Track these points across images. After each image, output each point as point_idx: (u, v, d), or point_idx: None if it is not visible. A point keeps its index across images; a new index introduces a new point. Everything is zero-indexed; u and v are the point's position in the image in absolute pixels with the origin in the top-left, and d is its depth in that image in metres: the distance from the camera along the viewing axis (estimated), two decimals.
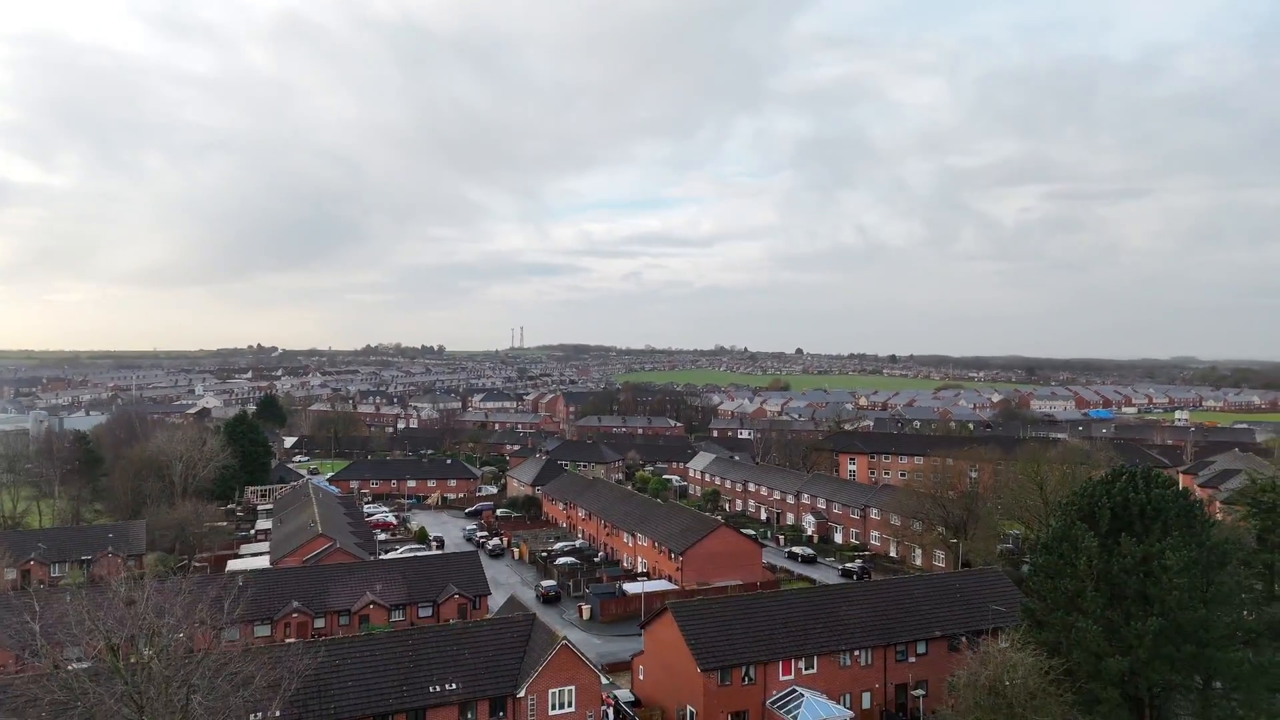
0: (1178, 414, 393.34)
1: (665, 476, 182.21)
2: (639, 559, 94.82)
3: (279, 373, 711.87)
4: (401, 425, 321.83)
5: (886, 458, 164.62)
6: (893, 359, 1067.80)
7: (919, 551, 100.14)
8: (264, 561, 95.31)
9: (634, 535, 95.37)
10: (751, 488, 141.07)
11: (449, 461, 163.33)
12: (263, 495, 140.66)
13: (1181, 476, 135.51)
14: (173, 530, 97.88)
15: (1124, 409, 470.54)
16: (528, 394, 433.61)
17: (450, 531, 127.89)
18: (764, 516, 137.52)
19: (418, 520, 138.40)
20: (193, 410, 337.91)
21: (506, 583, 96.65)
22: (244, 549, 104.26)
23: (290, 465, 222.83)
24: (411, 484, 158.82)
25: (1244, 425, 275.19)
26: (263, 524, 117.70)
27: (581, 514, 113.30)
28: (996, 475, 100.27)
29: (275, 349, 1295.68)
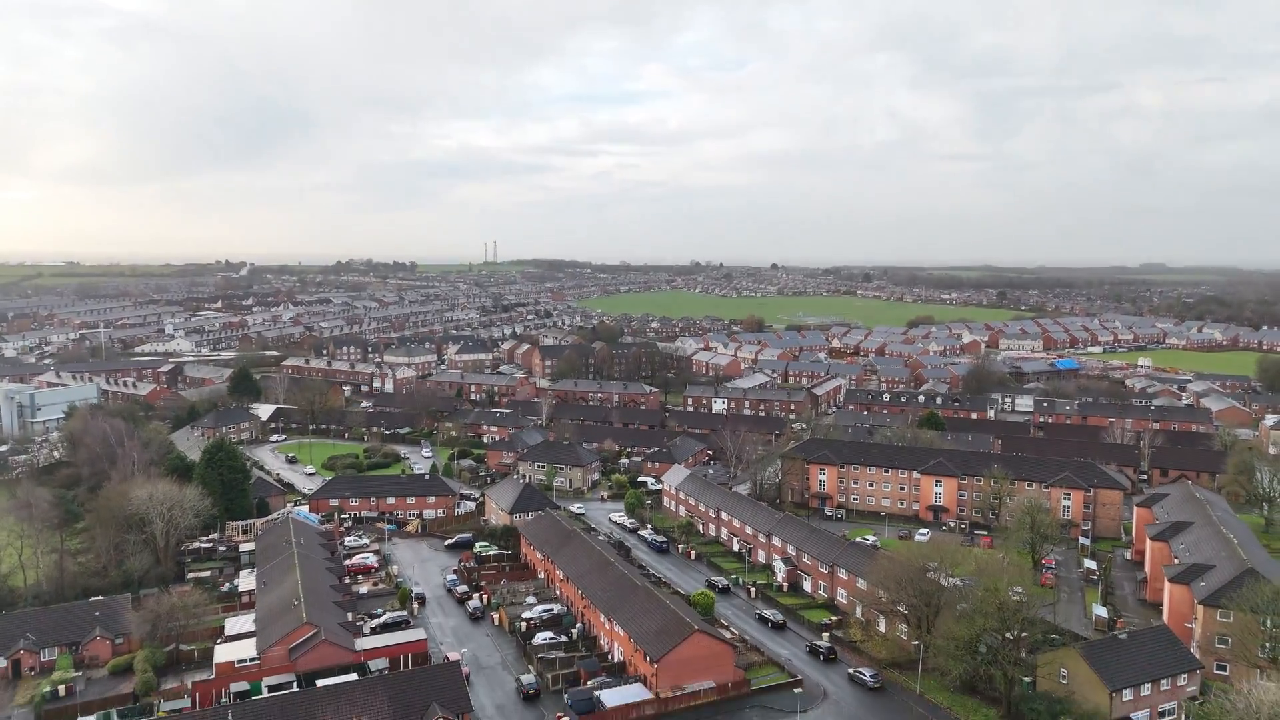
0: (1141, 362, 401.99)
1: (641, 479, 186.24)
2: (615, 646, 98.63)
3: (249, 301, 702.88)
4: (376, 384, 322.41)
5: (856, 468, 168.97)
6: (866, 278, 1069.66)
7: (884, 621, 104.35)
8: (250, 648, 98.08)
9: (611, 621, 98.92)
10: (725, 517, 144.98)
11: (427, 478, 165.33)
12: (244, 532, 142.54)
13: (1136, 510, 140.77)
14: (161, 620, 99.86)
15: (1090, 348, 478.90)
16: (503, 339, 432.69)
17: (430, 573, 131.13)
18: (736, 548, 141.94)
19: (398, 553, 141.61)
20: (165, 369, 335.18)
21: (488, 665, 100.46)
22: (229, 623, 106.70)
23: (270, 449, 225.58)
24: (390, 501, 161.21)
25: (1199, 388, 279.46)
26: (246, 581, 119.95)
27: (559, 574, 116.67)
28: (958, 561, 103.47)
29: (243, 265, 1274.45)
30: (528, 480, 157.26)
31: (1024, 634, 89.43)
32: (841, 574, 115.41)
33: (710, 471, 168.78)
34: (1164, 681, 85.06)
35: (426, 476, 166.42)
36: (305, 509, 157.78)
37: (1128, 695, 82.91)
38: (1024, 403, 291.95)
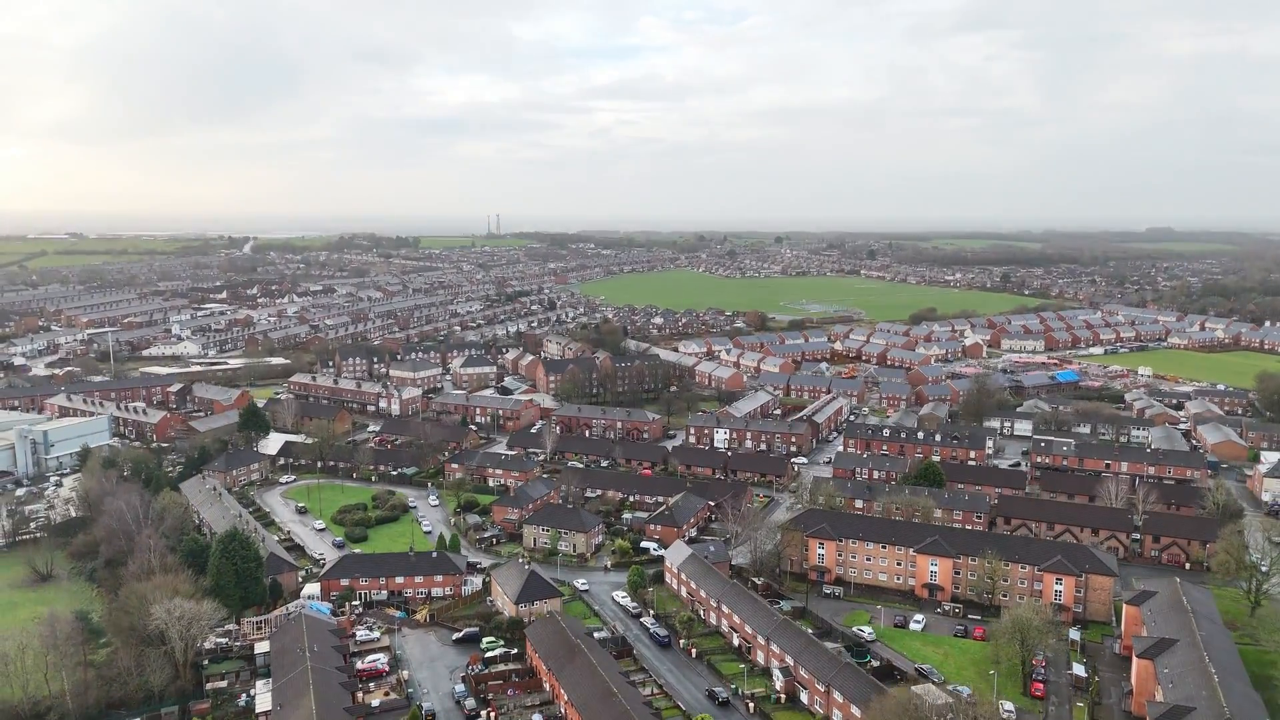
0: (1141, 371, 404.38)
1: (643, 544, 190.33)
2: None
3: (253, 290, 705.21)
4: (383, 405, 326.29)
5: (854, 542, 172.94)
6: (870, 255, 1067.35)
7: None
8: None
9: None
10: (725, 609, 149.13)
11: (434, 556, 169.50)
12: (258, 627, 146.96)
13: (1126, 608, 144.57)
14: None
15: (1091, 349, 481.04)
16: (507, 347, 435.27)
17: (439, 677, 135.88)
18: (736, 642, 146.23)
19: (408, 647, 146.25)
20: (174, 388, 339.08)
21: None
22: None
23: (280, 494, 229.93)
24: (399, 580, 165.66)
25: (1197, 407, 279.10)
26: (262, 698, 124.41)
27: (564, 696, 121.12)
28: None
29: (246, 240, 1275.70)
30: (532, 567, 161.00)
31: None
32: (837, 697, 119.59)
33: (711, 550, 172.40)
34: None
35: (434, 554, 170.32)
36: (317, 591, 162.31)
37: None
38: (1022, 427, 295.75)
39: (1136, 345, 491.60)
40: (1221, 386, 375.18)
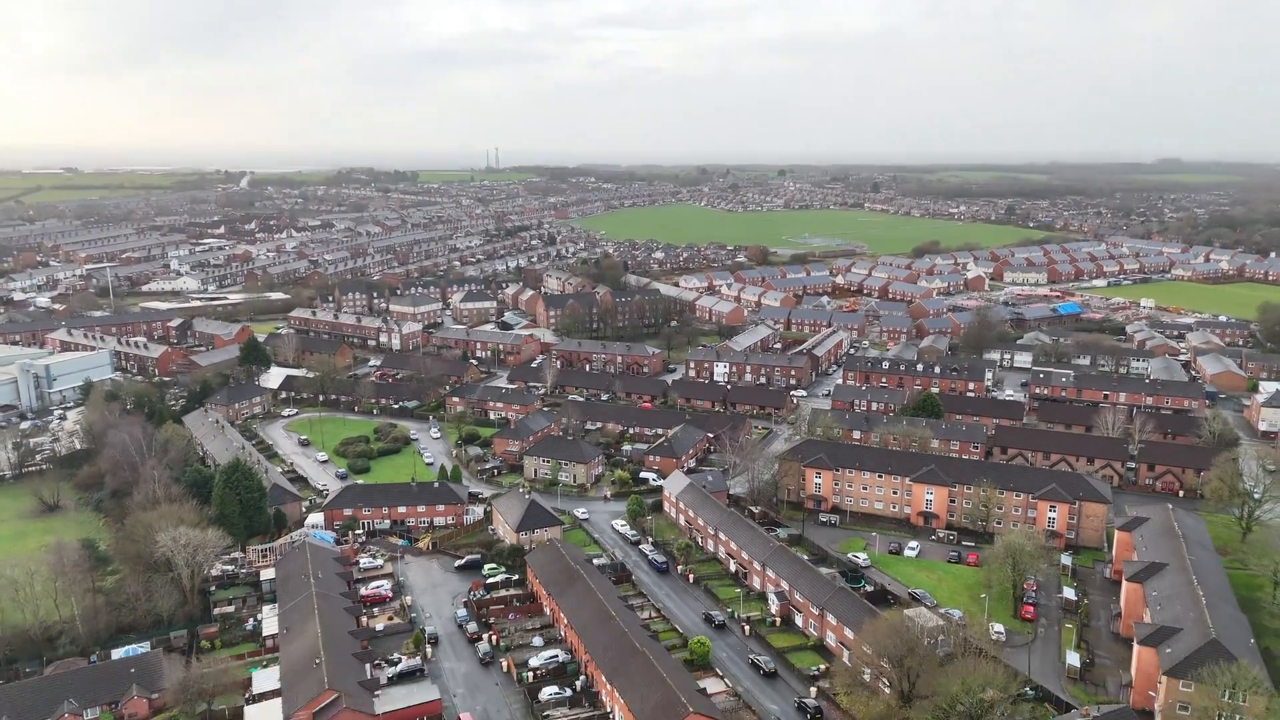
0: (1143, 303, 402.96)
1: (642, 474, 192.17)
2: (616, 709, 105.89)
3: (251, 225, 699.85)
4: (384, 339, 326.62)
5: (850, 472, 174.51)
6: (874, 188, 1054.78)
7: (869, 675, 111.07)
8: (277, 711, 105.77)
9: (612, 686, 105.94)
10: (723, 537, 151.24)
11: (436, 486, 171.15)
12: (263, 555, 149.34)
13: (1118, 534, 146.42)
14: (192, 682, 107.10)
15: (1095, 281, 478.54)
16: (507, 282, 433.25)
17: (442, 602, 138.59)
18: (733, 568, 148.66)
19: (410, 574, 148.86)
20: (175, 323, 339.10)
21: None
22: (256, 678, 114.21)
23: (282, 427, 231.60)
24: (402, 510, 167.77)
25: (1198, 338, 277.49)
26: (269, 622, 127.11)
27: (564, 619, 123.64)
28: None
29: (243, 175, 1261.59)
30: (531, 496, 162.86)
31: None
32: (831, 619, 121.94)
33: (709, 480, 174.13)
34: None
35: (436, 484, 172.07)
36: (320, 520, 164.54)
37: None
38: (1022, 359, 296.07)
39: (1140, 277, 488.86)
40: (1224, 318, 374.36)
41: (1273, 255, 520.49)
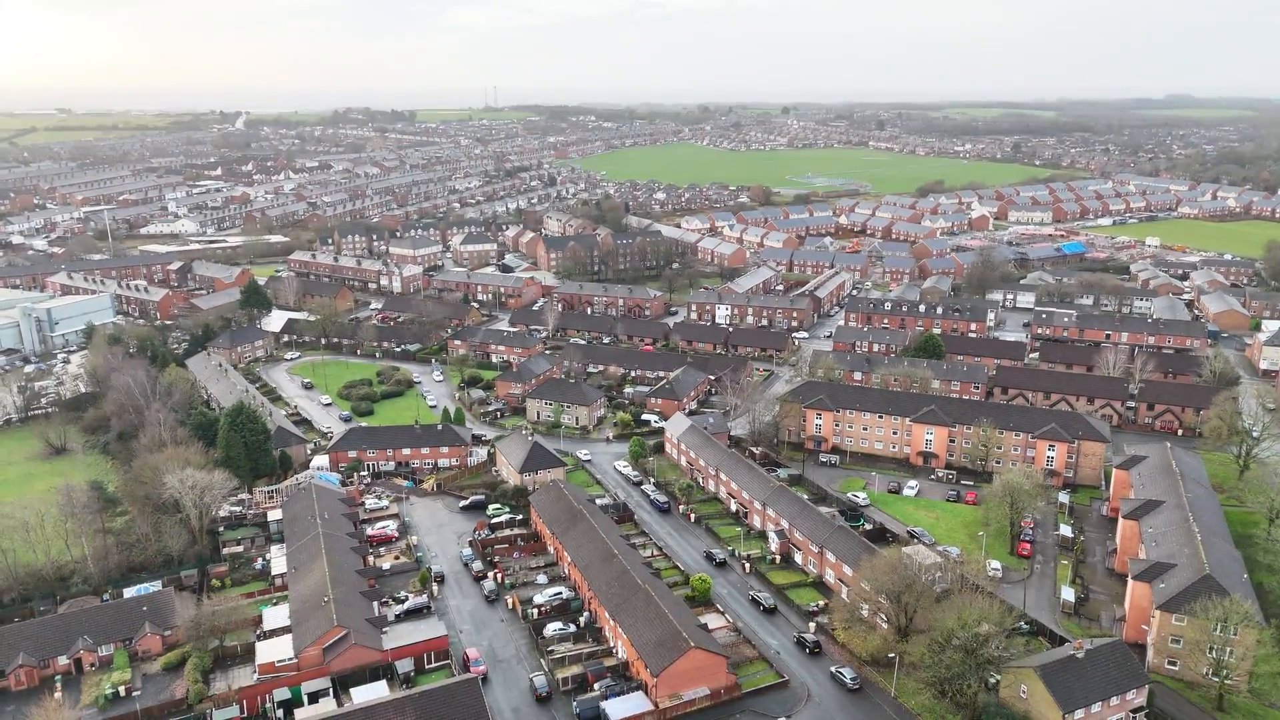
0: (1148, 241, 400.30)
1: (644, 416, 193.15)
2: (619, 645, 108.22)
3: (249, 166, 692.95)
4: (384, 282, 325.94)
5: (851, 413, 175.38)
6: (879, 125, 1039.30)
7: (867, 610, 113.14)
8: (288, 647, 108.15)
9: (615, 621, 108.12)
10: (723, 477, 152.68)
11: (440, 428, 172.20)
12: (270, 496, 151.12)
13: (1115, 472, 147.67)
14: (204, 620, 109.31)
15: (1100, 219, 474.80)
16: (508, 224, 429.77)
17: (447, 542, 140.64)
18: (734, 508, 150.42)
19: (416, 515, 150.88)
20: (174, 266, 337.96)
21: (504, 658, 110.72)
22: (267, 615, 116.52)
23: (285, 370, 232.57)
24: (406, 452, 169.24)
25: (1201, 277, 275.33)
26: (277, 561, 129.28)
27: (568, 557, 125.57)
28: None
29: (238, 115, 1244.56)
30: (534, 438, 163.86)
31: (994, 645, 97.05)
32: (830, 557, 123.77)
33: (710, 421, 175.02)
34: (1114, 698, 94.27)
35: (439, 427, 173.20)
36: (325, 462, 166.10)
37: (1079, 715, 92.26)
38: (1025, 299, 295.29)
39: (1146, 215, 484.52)
40: (1229, 256, 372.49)
41: None
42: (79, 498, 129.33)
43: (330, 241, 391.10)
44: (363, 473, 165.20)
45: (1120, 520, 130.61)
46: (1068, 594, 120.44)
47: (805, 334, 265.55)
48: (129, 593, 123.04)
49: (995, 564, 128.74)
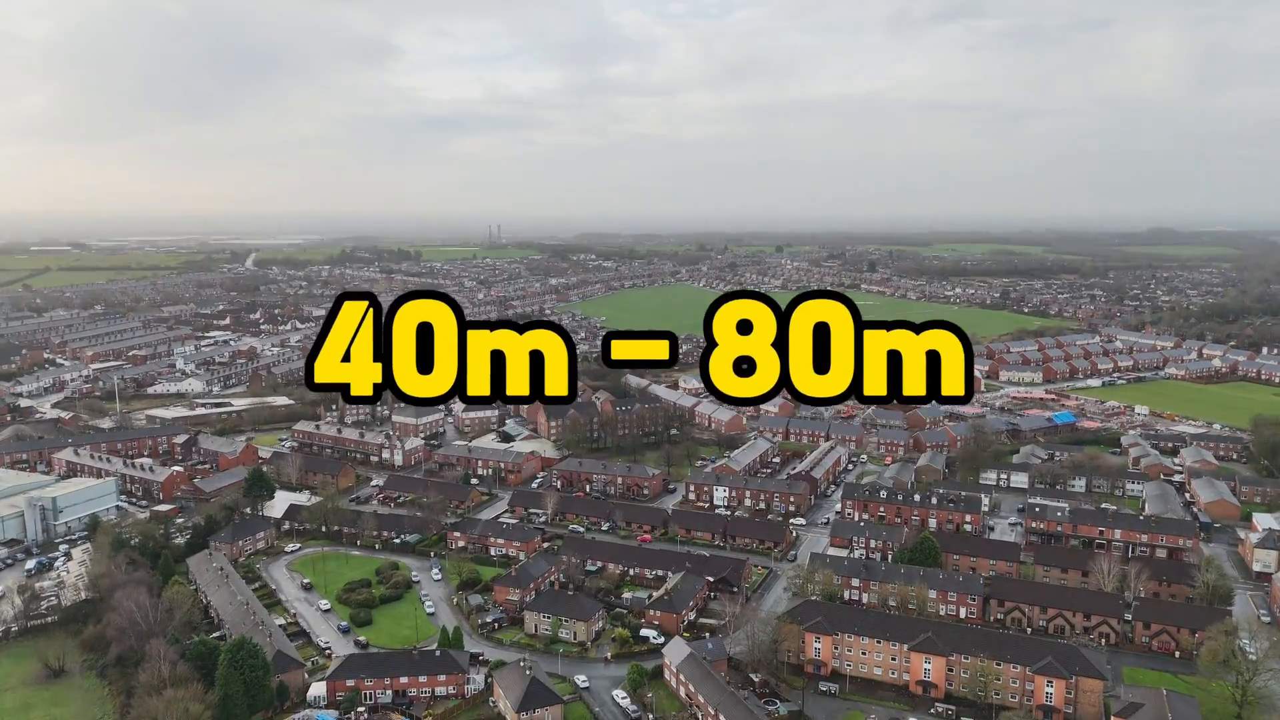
0: (1138, 410, 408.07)
1: (643, 632, 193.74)
2: None
3: (256, 315, 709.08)
4: (386, 455, 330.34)
5: (849, 636, 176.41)
6: (871, 267, 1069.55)
7: None
8: None
9: None
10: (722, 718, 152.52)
11: (438, 655, 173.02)
12: None
13: None
14: None
15: (1089, 381, 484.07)
16: None
17: None
18: None
19: None
20: (180, 439, 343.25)
21: None
22: None
23: (285, 566, 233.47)
24: (404, 680, 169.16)
25: (1191, 457, 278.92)
26: None
27: None
28: None
29: (249, 254, 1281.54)
30: (531, 672, 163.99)
31: None
32: None
33: (709, 647, 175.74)
34: None
35: (437, 653, 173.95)
36: (323, 692, 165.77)
37: None
38: (1019, 479, 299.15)
39: (1134, 376, 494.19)
40: (1218, 426, 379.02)
41: (1265, 351, 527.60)
42: None
43: (334, 407, 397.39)
44: (360, 709, 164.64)
45: None
46: None
47: (803, 521, 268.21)
48: None
49: None
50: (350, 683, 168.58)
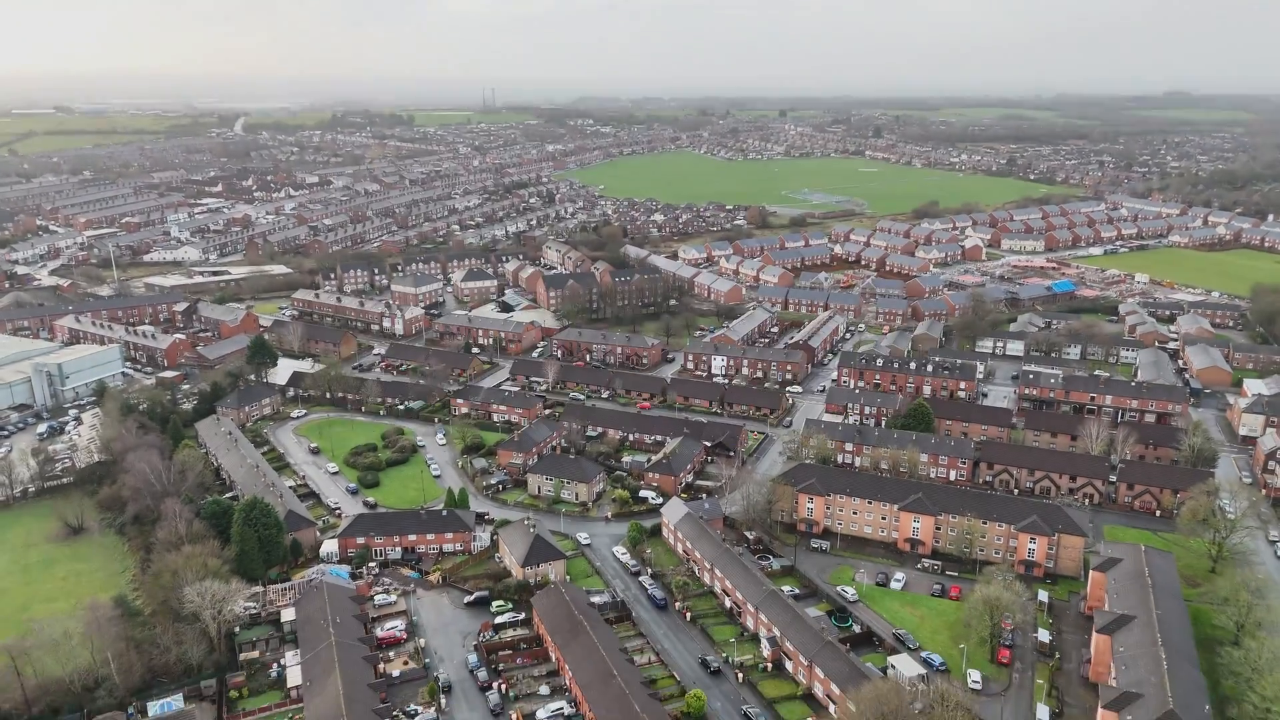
0: (1138, 277, 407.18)
1: (641, 492, 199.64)
2: None
3: (249, 181, 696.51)
4: (387, 324, 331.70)
5: (841, 497, 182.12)
6: (876, 133, 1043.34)
7: None
8: None
9: None
10: (718, 573, 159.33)
11: (444, 514, 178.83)
12: (283, 594, 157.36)
13: (1093, 574, 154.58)
14: None
15: (1091, 249, 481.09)
16: (507, 256, 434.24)
17: (453, 644, 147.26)
18: (728, 605, 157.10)
19: (423, 611, 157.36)
20: (180, 306, 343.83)
21: None
22: None
23: (292, 430, 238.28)
24: (412, 537, 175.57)
25: (1189, 323, 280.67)
26: (293, 671, 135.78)
27: (569, 672, 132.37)
28: None
29: (237, 118, 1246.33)
30: (536, 531, 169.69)
31: None
32: (819, 672, 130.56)
33: (706, 507, 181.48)
34: None
35: (444, 512, 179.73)
36: (335, 548, 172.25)
37: None
38: (1015, 347, 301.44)
39: (1137, 244, 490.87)
40: (1217, 294, 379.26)
41: (1270, 219, 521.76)
42: (103, 613, 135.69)
43: (333, 275, 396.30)
44: (371, 563, 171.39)
45: (1094, 636, 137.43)
46: (1043, 712, 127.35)
47: (799, 389, 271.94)
48: (153, 708, 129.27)
49: (976, 675, 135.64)
50: (361, 540, 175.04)
